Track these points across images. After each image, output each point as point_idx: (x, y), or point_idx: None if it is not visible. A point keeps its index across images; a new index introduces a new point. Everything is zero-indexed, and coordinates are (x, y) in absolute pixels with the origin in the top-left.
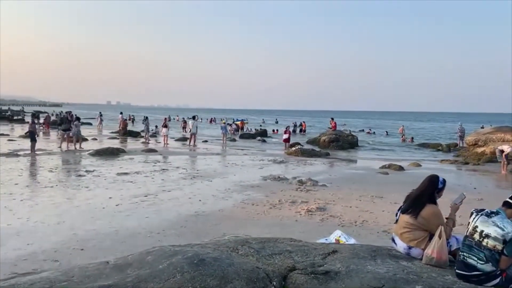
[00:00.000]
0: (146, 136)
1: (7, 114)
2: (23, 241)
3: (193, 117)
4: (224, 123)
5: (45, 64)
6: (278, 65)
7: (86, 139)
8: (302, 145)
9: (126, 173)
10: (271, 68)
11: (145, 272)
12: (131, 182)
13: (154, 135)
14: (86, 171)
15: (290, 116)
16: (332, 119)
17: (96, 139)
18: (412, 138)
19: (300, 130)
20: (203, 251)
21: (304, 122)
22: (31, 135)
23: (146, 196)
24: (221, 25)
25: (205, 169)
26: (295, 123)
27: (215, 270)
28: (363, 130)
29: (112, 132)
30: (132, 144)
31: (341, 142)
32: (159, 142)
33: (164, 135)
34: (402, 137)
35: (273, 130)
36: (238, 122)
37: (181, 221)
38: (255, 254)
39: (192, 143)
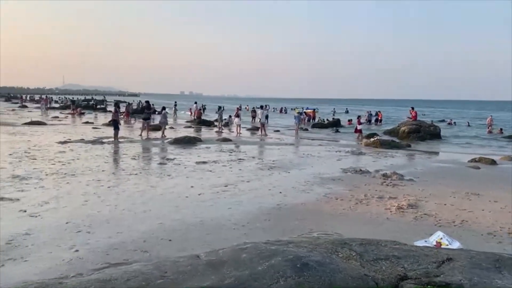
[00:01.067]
0: (220, 125)
1: (91, 103)
2: (113, 229)
3: (261, 107)
4: (299, 112)
5: (123, 57)
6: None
7: (161, 127)
8: (380, 136)
9: (204, 162)
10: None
11: (243, 274)
12: (210, 171)
13: (227, 124)
14: (167, 159)
15: (362, 105)
16: (413, 108)
17: (172, 128)
18: (501, 129)
19: (376, 120)
20: (303, 252)
21: (380, 112)
22: (114, 124)
23: (226, 186)
24: (292, 17)
25: (281, 160)
26: (370, 112)
27: (321, 276)
28: (443, 121)
29: (186, 121)
30: (206, 133)
31: (422, 133)
32: (232, 132)
33: (237, 125)
34: (488, 128)
35: (348, 121)
36: (309, 111)
37: (264, 214)
38: (358, 258)
39: (262, 132)
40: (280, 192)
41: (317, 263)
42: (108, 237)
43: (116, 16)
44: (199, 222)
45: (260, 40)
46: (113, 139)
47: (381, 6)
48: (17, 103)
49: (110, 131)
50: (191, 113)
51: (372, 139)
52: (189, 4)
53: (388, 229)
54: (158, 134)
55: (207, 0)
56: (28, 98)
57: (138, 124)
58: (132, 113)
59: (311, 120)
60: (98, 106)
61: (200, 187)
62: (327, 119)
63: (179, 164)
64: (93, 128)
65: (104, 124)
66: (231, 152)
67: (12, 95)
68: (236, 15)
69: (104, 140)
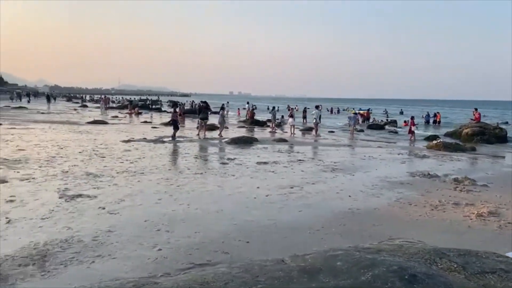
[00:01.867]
0: (273, 125)
1: (147, 103)
2: (190, 228)
3: (316, 107)
4: (354, 113)
5: (175, 58)
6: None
7: (217, 127)
8: (441, 138)
9: (265, 163)
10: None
11: (346, 283)
12: (273, 172)
13: (280, 124)
14: (228, 159)
15: (416, 105)
16: (476, 109)
17: (227, 128)
18: None
19: (434, 122)
20: (404, 263)
21: (438, 112)
22: (174, 123)
23: (292, 187)
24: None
25: (342, 162)
26: (428, 113)
27: None
28: (507, 123)
29: (239, 121)
30: (260, 133)
31: (487, 136)
32: (286, 132)
33: (291, 125)
34: None
35: (405, 122)
36: (363, 112)
37: (337, 218)
38: (461, 271)
39: (316, 133)
40: (350, 196)
41: (425, 275)
42: (187, 237)
43: (167, 18)
44: (273, 224)
45: (308, 40)
46: (172, 139)
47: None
48: (77, 102)
49: (169, 130)
50: (238, 113)
51: (435, 142)
52: (239, 4)
53: (472, 238)
54: (214, 133)
55: (257, 0)
56: (87, 98)
57: (192, 123)
58: (185, 113)
59: (365, 121)
60: (153, 106)
61: (266, 188)
62: (382, 120)
63: (241, 164)
64: (152, 127)
65: (162, 124)
66: (289, 153)
67: (72, 95)
68: (285, 15)
69: (165, 139)
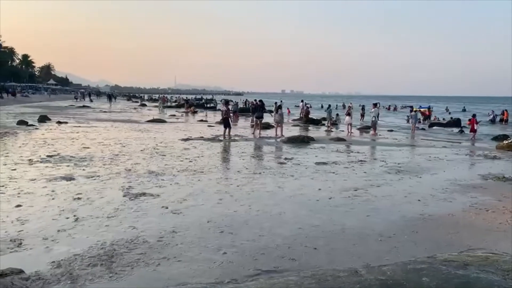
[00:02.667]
0: (329, 124)
1: (201, 102)
2: (254, 231)
3: (375, 105)
4: (415, 111)
5: (228, 57)
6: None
7: (272, 126)
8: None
9: (324, 163)
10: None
11: None
12: (333, 173)
13: (335, 123)
14: (285, 158)
15: (479, 103)
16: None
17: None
18: None
19: (501, 120)
20: (503, 283)
21: (506, 110)
22: (226, 122)
23: (356, 190)
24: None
25: (406, 163)
26: (493, 111)
27: None
28: None
29: (293, 120)
30: (315, 132)
31: None
32: (342, 131)
33: (348, 124)
34: None
35: (469, 120)
36: (424, 110)
37: (409, 225)
38: None
39: (374, 132)
40: (419, 200)
41: None
42: (252, 240)
43: (221, 18)
44: (340, 230)
45: (362, 37)
46: (228, 137)
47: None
48: (137, 102)
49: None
50: (288, 112)
51: (506, 142)
52: (291, 4)
53: None
54: (269, 132)
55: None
56: (146, 97)
57: (245, 122)
58: (239, 111)
59: (426, 120)
60: (208, 105)
61: (329, 190)
62: (444, 118)
63: (299, 164)
64: (208, 126)
65: (217, 122)
66: (349, 153)
67: (131, 94)
68: (336, 13)
69: (221, 138)
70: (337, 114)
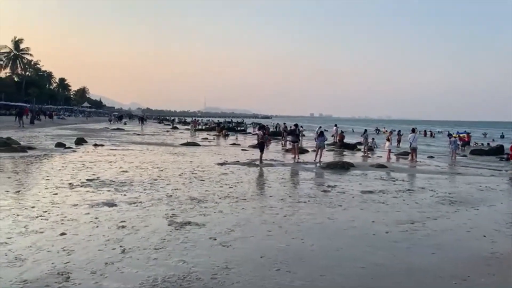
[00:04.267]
0: (365, 149)
1: (232, 125)
2: (312, 269)
3: (413, 130)
4: (455, 137)
5: (256, 82)
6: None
7: (307, 151)
8: None
9: (370, 192)
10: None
11: None
12: (383, 203)
13: (371, 148)
14: (328, 186)
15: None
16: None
17: (314, 151)
18: None
19: None
20: None
21: None
22: (261, 146)
23: (412, 223)
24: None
25: (457, 192)
26: None
27: None
28: None
29: (327, 144)
30: (352, 157)
31: None
32: (380, 156)
33: (388, 150)
34: None
35: None
36: (463, 136)
37: (481, 265)
38: None
39: (414, 158)
40: (484, 236)
41: None
42: (312, 280)
43: (247, 42)
44: (407, 270)
45: (392, 60)
46: (260, 162)
47: None
48: (168, 125)
49: (259, 152)
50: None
51: None
52: (318, 25)
53: None
54: (305, 157)
55: (338, 25)
56: (176, 120)
57: (276, 146)
58: (270, 135)
59: (465, 146)
60: (239, 128)
61: (383, 223)
62: (483, 144)
63: (344, 193)
64: (242, 150)
65: (250, 146)
66: (394, 181)
67: (162, 117)
68: (364, 36)
69: (257, 163)
70: (373, 139)
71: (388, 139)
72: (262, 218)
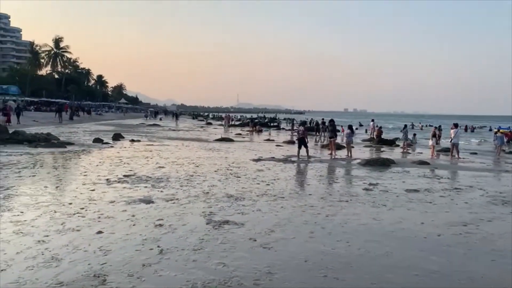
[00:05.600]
0: (404, 145)
1: (265, 120)
2: (362, 276)
3: (455, 125)
4: (502, 132)
5: (289, 76)
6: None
7: (344, 147)
8: None
9: (415, 190)
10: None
11: None
12: (430, 203)
13: (411, 144)
14: (370, 184)
15: None
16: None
17: (353, 147)
18: None
19: None
20: None
21: None
22: (301, 142)
23: (465, 225)
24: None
25: (508, 191)
26: None
27: None
28: None
29: (363, 140)
30: (391, 154)
31: None
32: (420, 153)
33: (432, 146)
34: None
35: None
36: (506, 131)
37: None
38: None
39: (455, 155)
40: None
41: None
42: None
43: (280, 37)
44: (468, 279)
45: (433, 53)
46: (303, 157)
47: None
48: (202, 120)
49: (292, 149)
50: (342, 130)
51: None
52: (351, 20)
53: None
54: (341, 153)
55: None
56: (210, 116)
57: (311, 142)
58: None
59: (510, 141)
60: (272, 124)
61: (433, 225)
62: None
63: (387, 191)
64: (277, 146)
65: (284, 142)
66: (438, 179)
67: (196, 113)
68: (399, 30)
69: (293, 159)
70: (414, 135)
71: (434, 135)
72: (303, 218)
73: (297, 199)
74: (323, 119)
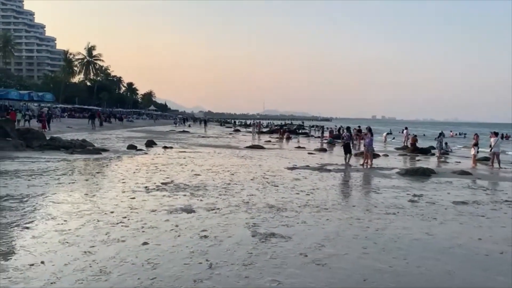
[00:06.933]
0: (439, 153)
1: (294, 128)
2: None
3: (495, 133)
4: None
5: (315, 82)
6: None
7: (378, 155)
8: None
9: (463, 202)
10: None
11: None
12: (482, 216)
13: (446, 152)
14: (414, 195)
15: None
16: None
17: (387, 155)
18: None
19: None
20: None
21: None
22: (347, 149)
23: None
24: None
25: None
26: None
27: None
28: None
29: (397, 148)
30: (427, 162)
31: None
32: (459, 162)
33: (473, 155)
34: None
35: None
36: None
37: None
38: None
39: (496, 164)
40: None
41: None
42: None
43: (305, 41)
44: None
45: (457, 60)
46: (348, 165)
47: None
48: (229, 127)
49: (325, 157)
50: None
51: None
52: (382, 24)
53: None
54: (377, 162)
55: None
56: (237, 123)
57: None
58: (334, 138)
59: None
60: (300, 131)
61: (491, 241)
62: None
63: (434, 203)
64: (309, 153)
65: (316, 150)
66: (485, 190)
67: (223, 120)
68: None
69: (329, 167)
70: (446, 143)
71: (476, 143)
72: (352, 231)
73: (341, 211)
74: (359, 126)
